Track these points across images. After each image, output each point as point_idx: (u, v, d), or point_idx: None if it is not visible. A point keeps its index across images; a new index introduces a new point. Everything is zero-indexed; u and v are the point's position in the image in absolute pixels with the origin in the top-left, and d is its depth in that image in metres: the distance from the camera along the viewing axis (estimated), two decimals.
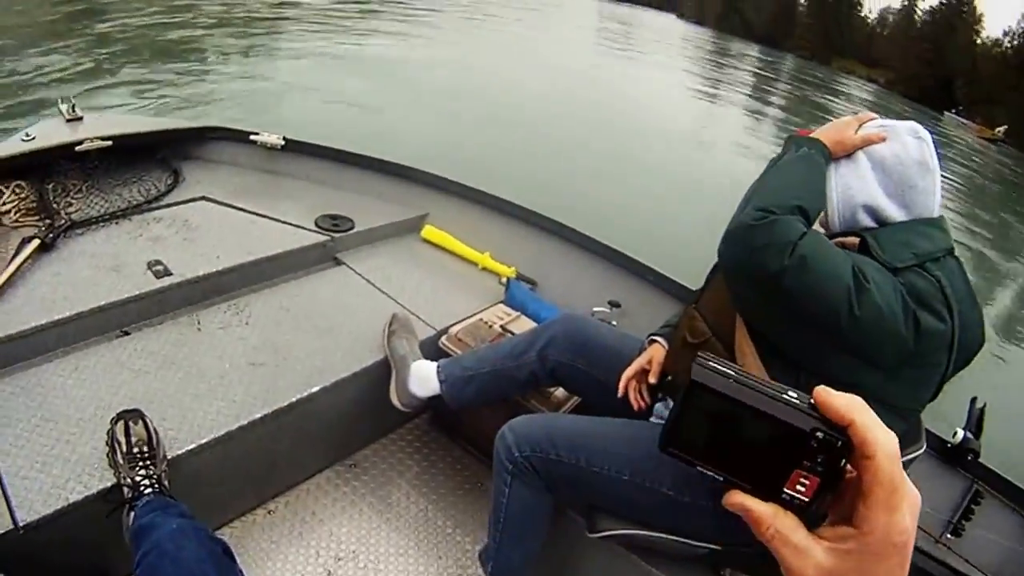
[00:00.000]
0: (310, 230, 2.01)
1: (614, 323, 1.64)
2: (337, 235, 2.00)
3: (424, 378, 1.48)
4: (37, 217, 2.04)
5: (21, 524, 1.15)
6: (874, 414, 0.34)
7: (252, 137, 2.38)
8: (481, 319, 1.72)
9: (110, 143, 2.21)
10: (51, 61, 9.60)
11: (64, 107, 2.40)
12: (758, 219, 0.92)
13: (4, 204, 2.06)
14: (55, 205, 2.08)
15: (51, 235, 1.87)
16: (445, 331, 1.70)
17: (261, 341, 1.62)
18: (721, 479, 0.37)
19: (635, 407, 1.24)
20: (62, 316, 1.60)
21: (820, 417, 0.34)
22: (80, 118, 2.37)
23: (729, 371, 0.35)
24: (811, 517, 0.36)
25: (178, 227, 2.02)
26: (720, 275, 1.10)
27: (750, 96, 17.09)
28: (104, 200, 2.18)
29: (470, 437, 1.68)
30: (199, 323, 1.68)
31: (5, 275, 1.68)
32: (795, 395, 0.35)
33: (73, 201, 2.14)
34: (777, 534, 0.36)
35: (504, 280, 1.91)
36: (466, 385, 1.45)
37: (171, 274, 1.75)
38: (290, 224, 2.03)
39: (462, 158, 5.26)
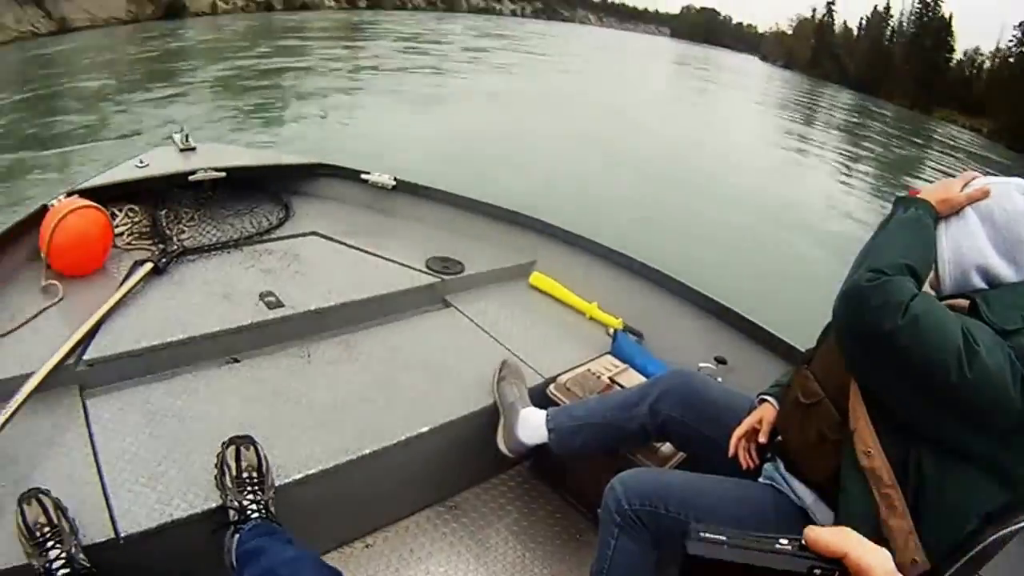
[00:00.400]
0: (420, 271, 2.04)
1: (719, 380, 1.62)
2: (447, 277, 2.03)
3: (533, 426, 1.50)
4: (150, 241, 2.14)
5: (122, 535, 1.19)
6: (865, 540, 0.38)
7: (363, 176, 2.45)
8: (589, 369, 1.72)
9: (223, 174, 2.30)
10: (164, 93, 10.49)
11: (177, 137, 2.51)
12: (871, 280, 0.92)
13: (117, 226, 2.14)
14: (168, 231, 2.17)
15: (164, 260, 1.95)
16: (553, 379, 1.70)
17: (370, 378, 1.65)
18: None
19: (744, 466, 1.23)
20: (174, 339, 1.66)
21: (814, 555, 0.38)
22: (193, 148, 2.47)
23: (721, 537, 0.38)
24: None
25: (289, 260, 2.07)
26: (832, 335, 1.09)
27: (853, 147, 16.66)
28: (216, 229, 2.25)
29: (572, 488, 1.68)
30: (309, 356, 1.72)
31: (118, 295, 1.76)
32: (786, 541, 0.38)
33: (185, 228, 2.24)
34: None
35: (611, 331, 1.91)
36: (574, 435, 1.46)
37: (283, 306, 1.80)
38: (400, 264, 2.07)
39: (570, 204, 5.36)
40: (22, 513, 1.16)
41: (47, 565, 1.11)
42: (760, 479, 1.20)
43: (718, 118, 15.78)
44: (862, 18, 55.88)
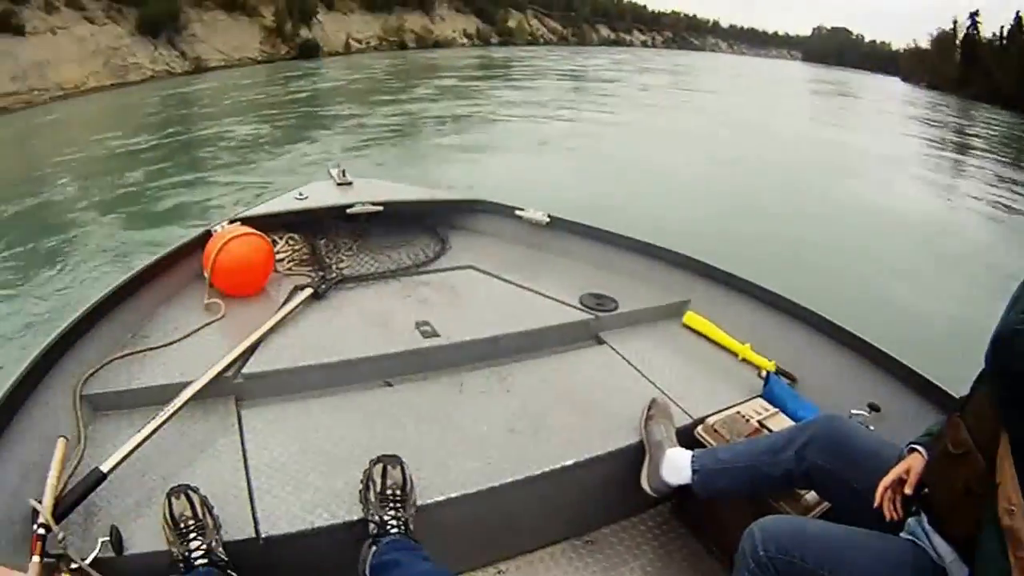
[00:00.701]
0: (575, 307, 2.06)
1: (871, 427, 1.55)
2: (601, 314, 2.04)
3: (678, 466, 1.48)
4: (309, 268, 2.27)
5: (263, 535, 1.26)
6: None
7: (518, 212, 2.52)
8: (739, 412, 1.68)
9: (380, 208, 2.41)
10: (309, 133, 11.30)
11: (335, 171, 2.67)
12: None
13: (279, 253, 2.28)
14: (327, 259, 2.29)
15: (323, 286, 2.07)
16: (701, 420, 1.68)
17: (520, 409, 1.67)
18: None
19: (887, 518, 1.18)
20: (330, 360, 1.74)
21: None
22: (350, 183, 2.62)
23: None
24: None
25: (445, 292, 2.15)
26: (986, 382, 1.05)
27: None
28: (373, 260, 2.36)
29: (711, 532, 1.64)
30: (462, 385, 1.76)
31: (278, 316, 1.87)
32: None
33: (344, 258, 2.37)
34: None
35: (763, 373, 1.85)
36: (718, 478, 1.44)
37: (438, 336, 1.87)
38: (554, 300, 2.10)
39: (723, 240, 5.34)
40: (169, 505, 1.26)
41: (186, 554, 1.20)
42: (902, 533, 1.16)
43: (867, 146, 15.02)
44: (1002, 27, 50.25)
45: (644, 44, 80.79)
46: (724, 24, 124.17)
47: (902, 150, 15.60)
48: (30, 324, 4.61)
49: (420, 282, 2.28)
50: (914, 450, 1.21)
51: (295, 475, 1.44)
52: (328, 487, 1.41)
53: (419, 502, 1.36)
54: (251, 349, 1.78)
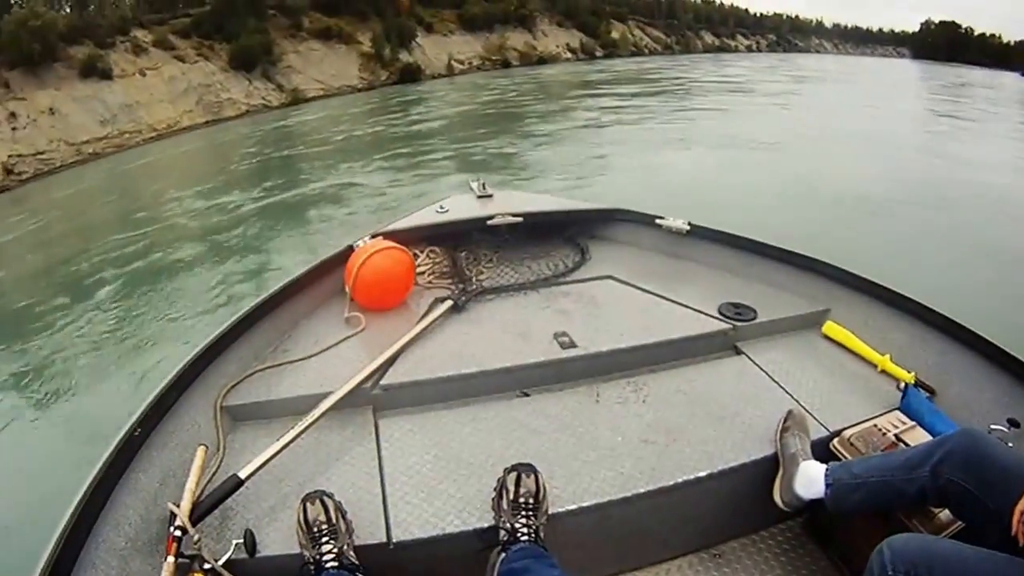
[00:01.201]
0: (713, 317, 2.06)
1: (1010, 444, 1.49)
2: (739, 324, 2.04)
3: (811, 480, 1.47)
4: (449, 280, 2.34)
5: (394, 540, 1.31)
6: None
7: (658, 221, 2.53)
8: (875, 425, 1.65)
9: (520, 219, 2.46)
10: (470, 148, 11.94)
11: (475, 185, 2.75)
12: None
13: (420, 266, 2.36)
14: (467, 272, 2.37)
15: (463, 298, 2.13)
16: (838, 433, 1.66)
17: (655, 420, 1.69)
18: None
19: (1021, 542, 1.13)
20: (469, 371, 1.79)
21: None
22: (490, 195, 2.69)
23: None
24: None
25: (584, 303, 2.18)
26: None
27: None
28: (513, 271, 2.42)
29: (841, 548, 1.61)
30: (598, 395, 1.79)
31: (418, 328, 1.94)
32: None
33: (484, 270, 2.43)
34: None
35: (902, 386, 1.81)
36: (852, 493, 1.41)
37: (576, 346, 1.90)
38: (693, 309, 2.11)
39: (864, 251, 5.12)
40: (304, 510, 1.32)
41: (317, 557, 1.26)
42: None
43: (1000, 148, 13.86)
44: None
45: (749, 49, 78.81)
46: (828, 23, 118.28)
47: None
48: (179, 338, 4.93)
49: (559, 292, 2.33)
50: None
51: (429, 482, 1.50)
52: (461, 494, 1.46)
53: (550, 511, 1.40)
54: (390, 361, 1.86)
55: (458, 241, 2.69)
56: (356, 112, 19.66)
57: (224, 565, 1.29)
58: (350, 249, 2.35)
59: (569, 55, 45.42)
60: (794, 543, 1.67)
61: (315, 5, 31.59)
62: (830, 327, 2.07)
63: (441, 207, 2.68)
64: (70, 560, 1.24)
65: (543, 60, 41.68)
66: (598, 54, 46.63)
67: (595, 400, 1.80)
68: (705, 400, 1.79)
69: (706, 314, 2.11)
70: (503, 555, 1.29)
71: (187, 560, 1.27)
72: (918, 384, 1.82)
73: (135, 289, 6.08)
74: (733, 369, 1.95)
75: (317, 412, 1.61)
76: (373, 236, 2.41)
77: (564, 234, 2.79)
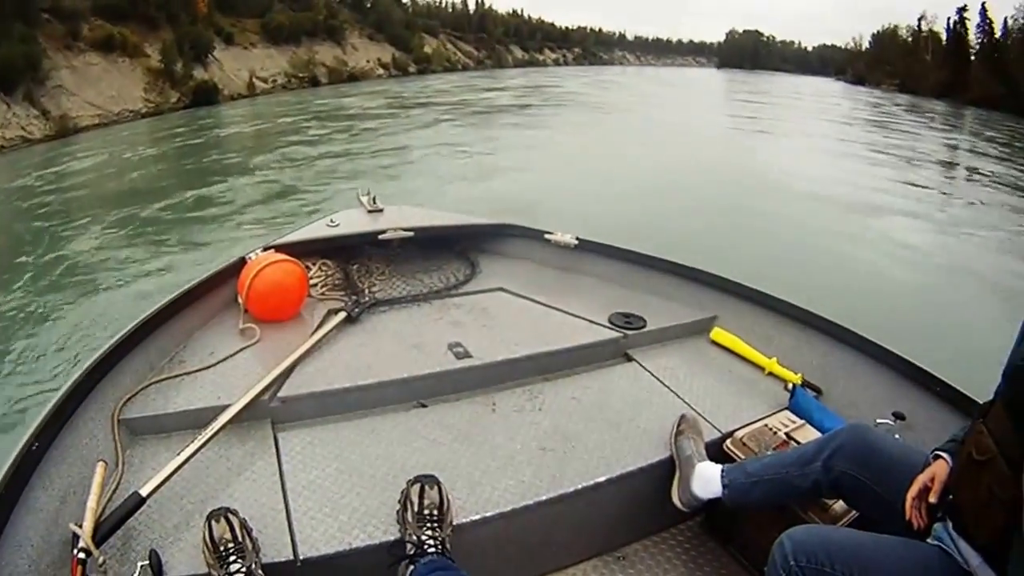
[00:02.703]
0: (604, 326, 2.16)
1: (897, 436, 1.63)
2: (630, 332, 2.14)
3: (707, 480, 1.57)
4: (342, 293, 2.39)
5: (301, 557, 1.33)
6: None
7: (547, 236, 2.65)
8: (766, 425, 1.77)
9: (411, 234, 2.53)
10: (342, 160, 11.54)
11: (365, 199, 2.80)
12: None
13: (312, 278, 2.40)
14: (360, 284, 2.42)
15: (356, 309, 2.18)
16: (730, 435, 1.77)
17: (552, 427, 1.75)
18: None
19: (915, 526, 1.24)
20: (365, 383, 1.83)
21: None
22: (381, 210, 2.74)
23: None
24: None
25: (477, 314, 2.25)
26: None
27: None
28: (405, 284, 2.49)
29: (741, 545, 1.72)
30: (494, 405, 1.85)
31: (313, 340, 1.97)
32: None
33: (376, 282, 2.49)
34: None
35: (790, 386, 1.94)
36: (748, 491, 1.52)
37: (471, 356, 1.96)
38: (584, 319, 2.20)
39: (747, 259, 5.59)
40: (210, 528, 1.31)
41: None
42: (929, 539, 1.21)
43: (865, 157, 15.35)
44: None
45: (556, 62, 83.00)
46: (630, 36, 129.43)
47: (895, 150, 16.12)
48: (68, 349, 4.74)
49: (452, 304, 2.40)
50: (939, 457, 1.27)
51: (332, 497, 1.51)
52: (365, 507, 1.48)
53: (455, 521, 1.44)
54: (286, 373, 1.86)
55: (350, 254, 2.73)
56: (133, 156, 14.81)
57: None
58: (242, 261, 2.35)
59: (382, 71, 43.55)
60: (695, 542, 1.77)
61: (98, 9, 25.66)
62: (718, 333, 2.22)
63: (332, 221, 2.71)
64: None
65: (354, 77, 39.38)
66: (412, 70, 45.95)
67: (492, 409, 1.86)
68: (600, 407, 1.88)
69: (597, 323, 2.22)
70: (412, 567, 1.31)
71: None
72: (805, 384, 1.96)
73: None
74: (626, 376, 2.06)
75: (216, 425, 1.59)
76: (265, 248, 2.43)
77: (455, 248, 2.88)
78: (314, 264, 2.57)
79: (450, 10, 68.92)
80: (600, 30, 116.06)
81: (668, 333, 2.27)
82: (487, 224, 2.89)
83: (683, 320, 2.31)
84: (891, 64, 55.79)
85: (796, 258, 6.56)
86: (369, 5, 48.71)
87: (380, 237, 2.61)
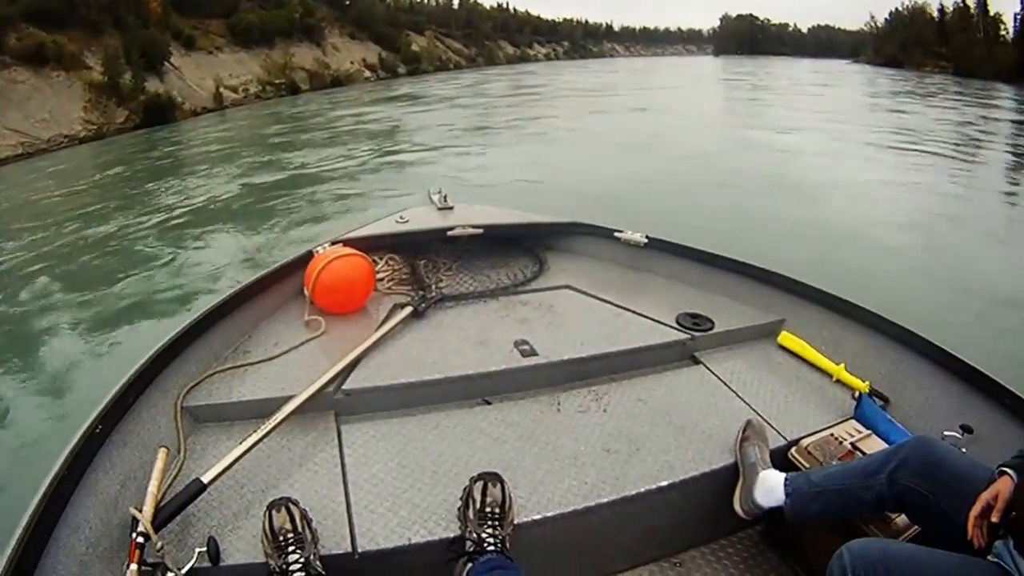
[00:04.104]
0: (671, 327, 2.23)
1: (963, 450, 1.66)
2: (697, 334, 2.21)
3: (770, 488, 1.62)
4: (409, 287, 2.52)
5: (359, 550, 1.40)
6: None
7: (616, 234, 2.74)
8: (832, 434, 1.83)
9: (480, 231, 2.65)
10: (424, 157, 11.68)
11: (436, 196, 2.96)
12: None
13: (379, 272, 2.52)
14: (427, 279, 2.55)
15: (423, 305, 2.28)
16: (795, 442, 1.82)
17: (616, 429, 1.81)
18: None
19: (976, 545, 1.28)
20: (430, 378, 1.91)
21: None
22: (451, 207, 2.89)
23: None
24: None
25: (543, 312, 2.34)
26: None
27: None
28: (472, 280, 2.62)
29: (800, 556, 1.77)
30: (559, 404, 1.92)
31: (378, 334, 2.05)
32: None
33: (443, 278, 2.62)
34: None
35: (856, 395, 1.99)
36: (811, 501, 1.56)
37: (536, 355, 2.03)
38: (651, 319, 2.27)
39: (819, 262, 5.64)
40: (270, 518, 1.39)
41: (284, 567, 1.32)
42: (989, 556, 1.26)
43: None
44: None
45: (547, 57, 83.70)
46: (616, 27, 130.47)
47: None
48: (135, 337, 4.99)
49: (518, 301, 2.51)
50: (1004, 473, 1.32)
51: (393, 491, 1.59)
52: (426, 503, 1.54)
53: (516, 520, 1.50)
54: (351, 365, 1.95)
55: (418, 250, 2.86)
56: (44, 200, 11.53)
57: (187, 574, 1.33)
58: (310, 254, 2.46)
59: (369, 73, 41.96)
60: (753, 551, 1.82)
61: (29, 15, 22.08)
62: (785, 337, 2.28)
63: (401, 217, 2.86)
64: (30, 566, 1.25)
65: (338, 81, 37.24)
66: (401, 71, 44.89)
67: (556, 409, 1.94)
68: (665, 409, 1.94)
69: (664, 324, 2.30)
70: (469, 565, 1.37)
71: (149, 568, 1.29)
72: (872, 393, 2.01)
73: None
74: (691, 379, 2.13)
75: (279, 416, 1.67)
76: (333, 242, 2.55)
77: (523, 246, 3.01)
78: (381, 259, 2.71)
79: (434, 4, 68.81)
80: (587, 22, 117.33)
81: (735, 336, 2.34)
82: (556, 222, 3.00)
83: (751, 323, 2.38)
84: (932, 44, 52.99)
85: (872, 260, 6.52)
86: (348, 2, 47.08)
87: (449, 234, 2.74)
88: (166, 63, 26.49)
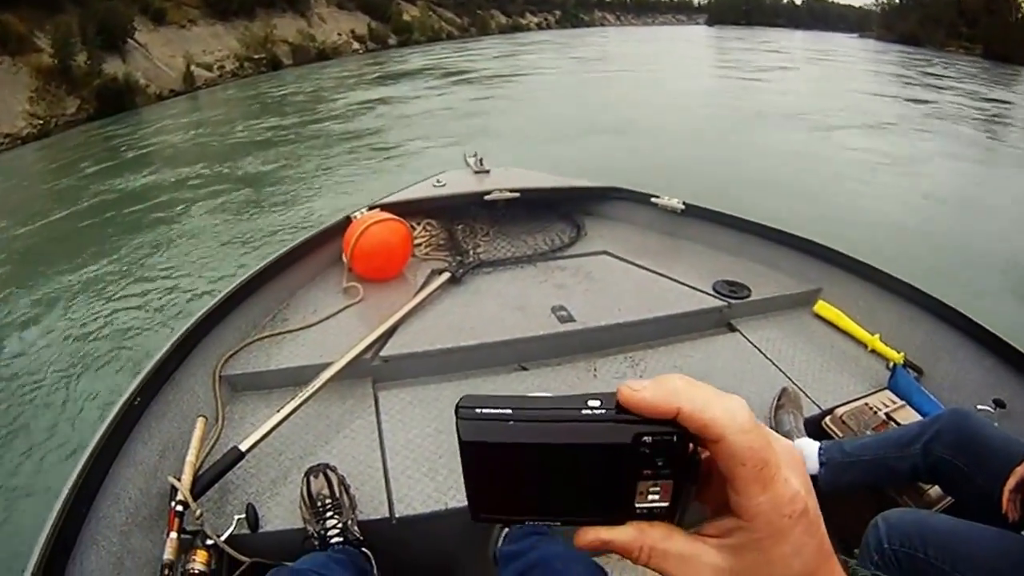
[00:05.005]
0: (707, 294, 2.29)
1: (996, 424, 1.68)
2: (733, 301, 2.27)
3: (805, 457, 1.55)
4: (446, 253, 2.58)
5: (396, 516, 1.46)
6: (702, 386, 0.35)
7: (653, 199, 2.80)
8: (867, 404, 1.88)
9: (517, 195, 2.70)
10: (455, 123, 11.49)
11: (472, 160, 3.01)
12: None
13: (416, 238, 2.58)
14: (464, 245, 2.61)
15: (460, 270, 2.34)
16: (830, 411, 1.88)
17: None
18: (559, 523, 0.35)
19: (1010, 519, 1.33)
20: (468, 344, 1.97)
21: (639, 418, 0.33)
22: (487, 171, 2.94)
23: (506, 409, 0.33)
24: (683, 517, 0.36)
25: (581, 277, 2.41)
26: None
27: None
28: (510, 245, 2.69)
29: (833, 526, 1.79)
30: (595, 370, 1.98)
31: (416, 300, 2.12)
32: (597, 403, 0.33)
33: (480, 243, 2.67)
34: (652, 551, 0.35)
35: (891, 365, 2.05)
36: (845, 471, 1.62)
37: (574, 320, 2.09)
38: (688, 286, 2.33)
39: (856, 230, 5.73)
40: (308, 484, 1.45)
41: (322, 532, 1.38)
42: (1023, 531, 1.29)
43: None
44: None
45: (539, 26, 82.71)
46: None
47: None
48: (173, 306, 5.11)
49: (556, 267, 2.59)
50: None
51: (430, 457, 1.65)
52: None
53: None
54: (389, 332, 2.03)
55: (455, 215, 2.94)
56: None
57: (227, 541, 1.39)
58: (347, 220, 2.52)
59: (358, 45, 39.28)
60: None
61: None
62: (821, 306, 2.34)
63: (438, 181, 2.92)
64: (71, 536, 1.30)
65: (325, 55, 34.53)
66: (392, 42, 42.91)
67: (593, 375, 2.01)
68: (701, 376, 1.95)
69: (701, 291, 2.36)
70: (506, 530, 1.44)
71: (189, 536, 1.35)
72: (907, 364, 2.06)
73: None
74: (727, 346, 2.20)
75: (317, 383, 1.73)
76: (370, 208, 2.61)
77: (560, 210, 3.09)
78: (419, 224, 2.78)
79: None
80: None
81: (772, 304, 2.40)
82: (594, 187, 3.06)
83: (787, 291, 2.43)
84: (955, 24, 50.21)
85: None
86: None
87: (486, 198, 2.80)
88: (130, 40, 23.73)
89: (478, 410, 0.33)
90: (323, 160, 10.67)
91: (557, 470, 0.33)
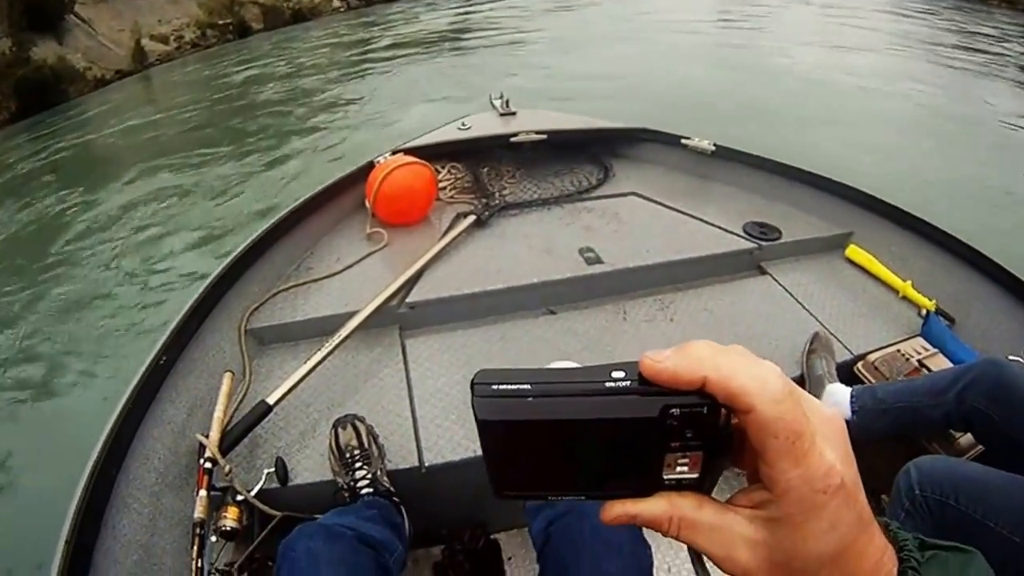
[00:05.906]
0: (738, 235, 2.34)
1: None
2: (764, 244, 2.31)
3: (837, 402, 1.72)
4: (472, 196, 2.65)
5: (426, 464, 1.52)
6: (729, 351, 0.34)
7: (683, 141, 2.84)
8: (899, 350, 1.93)
9: (544, 137, 2.76)
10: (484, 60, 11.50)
11: (498, 102, 3.06)
12: None
13: (441, 181, 2.64)
14: (490, 187, 2.67)
15: (486, 213, 2.40)
16: (862, 357, 1.92)
17: (682, 338, 1.78)
18: (583, 497, 0.36)
19: None
20: (495, 288, 2.02)
21: (665, 390, 0.33)
22: (513, 113, 2.99)
23: (524, 384, 0.33)
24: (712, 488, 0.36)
25: (608, 219, 2.47)
26: None
27: None
28: (536, 187, 2.75)
29: (863, 471, 1.95)
30: (625, 313, 2.04)
31: (441, 244, 2.17)
32: (622, 374, 0.34)
33: (506, 185, 2.73)
34: (682, 522, 0.35)
35: (923, 312, 2.10)
36: (877, 417, 1.67)
37: (602, 262, 2.15)
38: (718, 227, 2.37)
39: (889, 175, 5.80)
40: (336, 436, 1.51)
41: (351, 483, 1.44)
42: None
43: None
44: None
45: None
46: None
47: None
48: (196, 259, 5.31)
49: (583, 208, 2.65)
50: None
51: (458, 404, 1.72)
52: None
53: None
54: (415, 277, 2.09)
55: (480, 158, 3.01)
56: None
57: (257, 495, 1.46)
58: (371, 165, 2.60)
59: (339, 3, 31.73)
60: None
61: None
62: (853, 250, 2.39)
63: (463, 124, 3.00)
64: (103, 499, 1.37)
65: (301, 16, 27.04)
66: None
67: (622, 318, 2.08)
68: (732, 319, 2.06)
69: (731, 232, 2.41)
70: None
71: (219, 492, 1.43)
72: (939, 312, 2.10)
73: None
74: (758, 289, 2.25)
75: (344, 332, 1.81)
76: (394, 152, 2.67)
77: (588, 152, 3.15)
78: (443, 167, 2.84)
79: None
80: None
81: (803, 247, 2.45)
82: (622, 128, 3.11)
83: (819, 234, 2.47)
84: None
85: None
86: None
87: (512, 140, 2.87)
88: (69, 16, 20.00)
89: (495, 386, 0.33)
90: (296, 154, 8.89)
91: (581, 446, 0.34)
